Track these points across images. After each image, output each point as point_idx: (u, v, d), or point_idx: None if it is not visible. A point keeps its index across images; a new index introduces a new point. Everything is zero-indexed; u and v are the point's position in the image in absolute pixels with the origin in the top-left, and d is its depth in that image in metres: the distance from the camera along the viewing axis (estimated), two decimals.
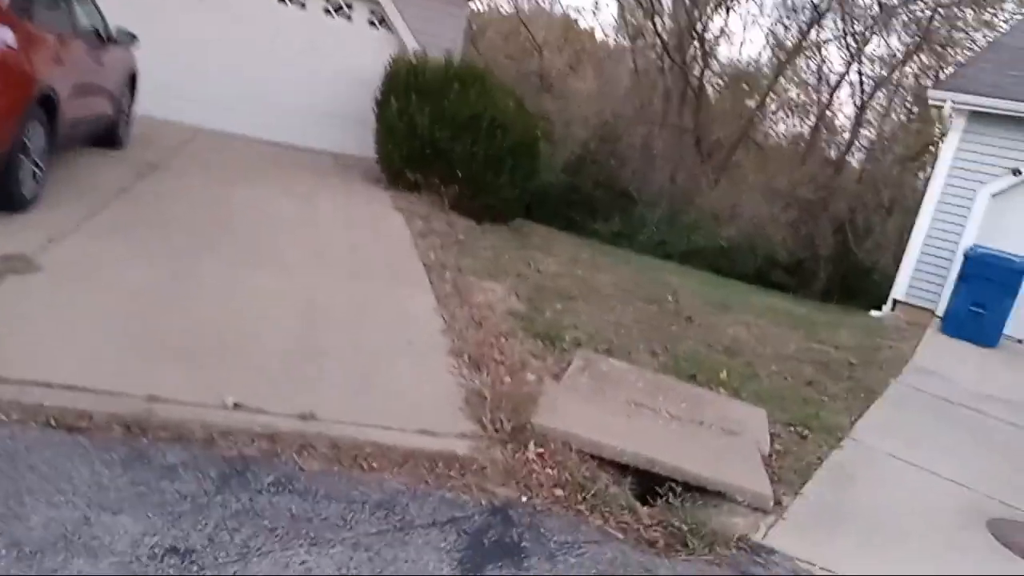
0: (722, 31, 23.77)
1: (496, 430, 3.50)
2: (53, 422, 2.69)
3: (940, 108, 9.23)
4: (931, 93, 9.53)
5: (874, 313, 9.80)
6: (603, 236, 19.65)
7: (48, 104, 4.88)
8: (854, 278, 20.58)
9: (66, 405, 2.79)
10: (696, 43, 22.94)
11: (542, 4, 28.08)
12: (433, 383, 3.88)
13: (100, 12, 6.34)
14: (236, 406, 3.11)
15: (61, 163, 5.70)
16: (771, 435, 4.33)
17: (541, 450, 3.45)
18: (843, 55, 21.71)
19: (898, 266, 9.88)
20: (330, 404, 3.34)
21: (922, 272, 9.42)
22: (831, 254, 20.37)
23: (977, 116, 8.95)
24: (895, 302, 9.69)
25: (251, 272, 4.91)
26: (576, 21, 29.43)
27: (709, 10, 22.82)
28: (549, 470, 3.33)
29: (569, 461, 3.42)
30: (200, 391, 3.15)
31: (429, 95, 8.20)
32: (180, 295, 4.20)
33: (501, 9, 28.37)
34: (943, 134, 19.98)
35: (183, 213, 5.77)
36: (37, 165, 4.87)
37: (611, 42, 29.40)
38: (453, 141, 8.09)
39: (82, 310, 3.66)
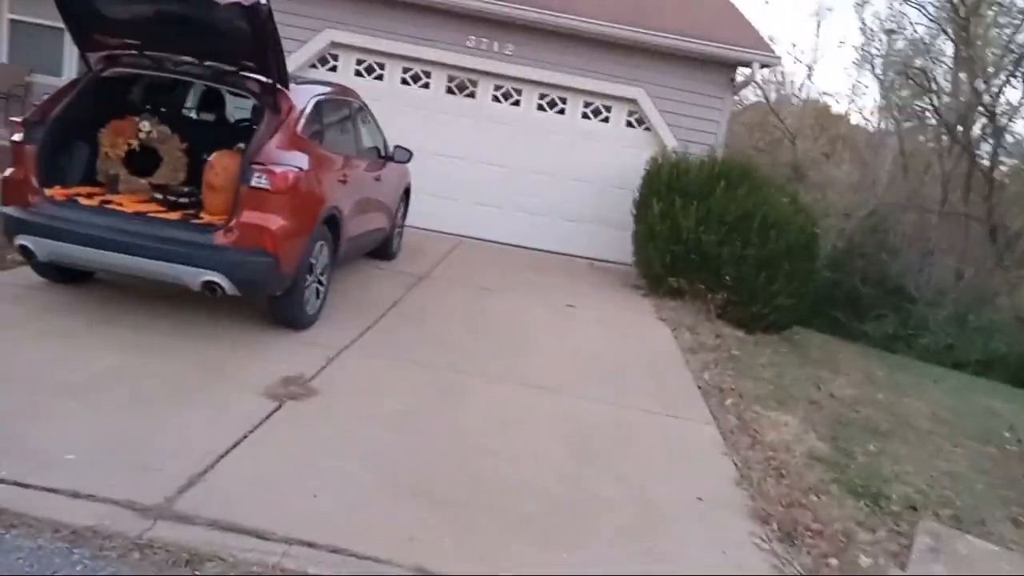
0: (1020, 104, 20.61)
1: None
2: None
3: None
4: None
5: None
6: (874, 339, 17.37)
7: (332, 223, 5.02)
8: None
9: (332, 575, 2.43)
10: (985, 118, 20.14)
11: (791, 91, 26.76)
12: (738, 562, 3.07)
13: (381, 131, 6.67)
14: None
15: (339, 277, 5.89)
16: None
17: None
18: None
19: None
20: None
21: None
22: None
23: None
24: None
25: (512, 392, 4.52)
26: (829, 106, 27.59)
27: (1001, 80, 20.02)
28: None
29: None
30: (467, 557, 2.67)
31: (693, 195, 7.61)
32: (441, 423, 3.89)
33: (745, 99, 27.53)
34: None
35: (448, 327, 5.64)
36: (320, 282, 4.98)
37: (870, 126, 27.12)
38: (721, 244, 7.36)
39: (347, 445, 3.43)
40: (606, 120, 9.40)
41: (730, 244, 7.39)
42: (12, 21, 10.11)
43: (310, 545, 2.55)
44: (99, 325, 4.34)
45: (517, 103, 9.38)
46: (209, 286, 4.16)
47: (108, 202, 4.41)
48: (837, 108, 28.81)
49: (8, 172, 4.31)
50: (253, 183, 4.20)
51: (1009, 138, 21.14)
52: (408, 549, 2.65)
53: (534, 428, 4.06)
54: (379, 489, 3.08)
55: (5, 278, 4.85)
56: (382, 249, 7.07)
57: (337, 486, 3.02)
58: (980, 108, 20.20)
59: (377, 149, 6.54)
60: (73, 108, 4.48)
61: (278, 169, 4.26)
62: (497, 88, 9.33)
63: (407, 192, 7.60)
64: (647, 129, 9.27)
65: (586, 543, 2.98)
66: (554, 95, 9.34)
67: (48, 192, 4.25)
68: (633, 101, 9.19)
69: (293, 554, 2.49)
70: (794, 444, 4.54)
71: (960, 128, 20.30)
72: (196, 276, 4.13)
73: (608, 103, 9.33)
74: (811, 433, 4.81)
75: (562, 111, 9.39)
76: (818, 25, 28.99)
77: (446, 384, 4.45)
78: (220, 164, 4.48)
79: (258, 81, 4.60)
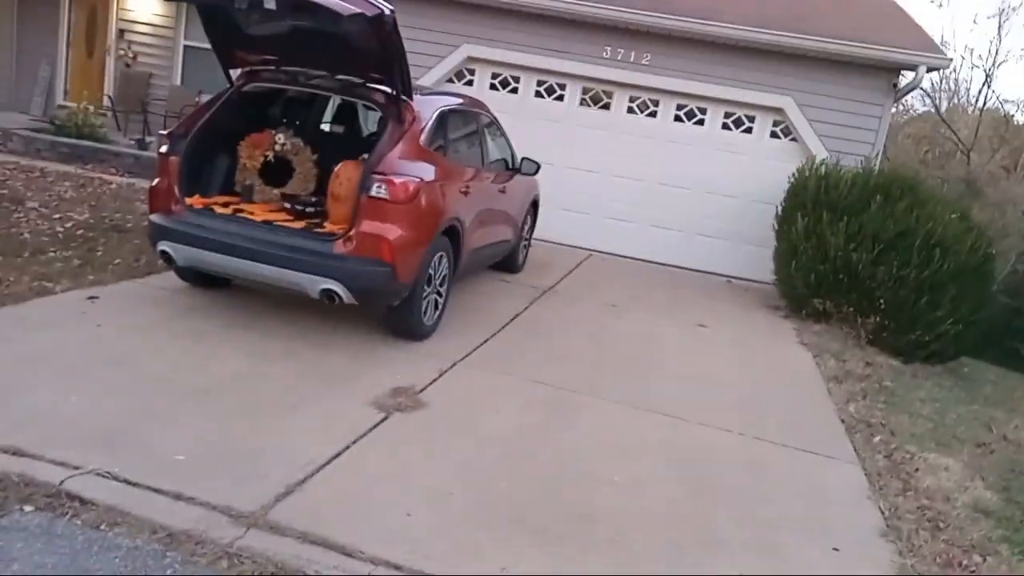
0: None
1: None
2: None
3: None
4: None
5: None
6: None
7: (453, 234, 4.99)
8: None
9: None
10: None
11: (965, 99, 24.41)
12: None
13: (510, 144, 6.61)
14: None
15: (460, 287, 5.86)
16: None
17: None
18: None
19: None
20: None
21: None
22: None
23: None
24: None
25: (632, 418, 4.24)
26: (1011, 115, 24.84)
27: None
28: None
29: None
30: None
31: (844, 210, 6.96)
32: (551, 445, 3.69)
33: (913, 109, 25.43)
34: None
35: (568, 343, 5.45)
36: (439, 293, 4.95)
37: None
38: (874, 264, 6.67)
39: (450, 463, 3.31)
40: (748, 131, 8.88)
41: (886, 264, 6.68)
42: (186, 47, 11.11)
43: (396, 567, 2.44)
44: (232, 329, 4.53)
45: (653, 114, 9.07)
46: (327, 294, 4.22)
47: (240, 211, 4.61)
48: (1020, 118, 25.99)
49: (155, 182, 4.61)
50: (373, 193, 4.23)
51: None
52: None
53: (652, 457, 3.77)
54: (477, 513, 2.93)
55: (153, 281, 5.19)
56: (507, 261, 7.00)
57: (433, 506, 2.90)
58: None
59: (504, 161, 6.49)
60: (215, 121, 4.72)
61: (397, 179, 4.27)
62: (633, 99, 9.07)
63: (535, 204, 7.51)
64: (793, 140, 8.66)
65: None
66: (692, 105, 8.94)
67: (188, 201, 4.50)
68: (779, 110, 8.62)
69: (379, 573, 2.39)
70: (956, 492, 3.96)
71: None
72: (315, 284, 4.21)
73: (751, 113, 8.81)
74: (977, 481, 4.18)
75: (701, 122, 8.97)
76: (1000, 27, 26.19)
77: (561, 404, 4.25)
78: (344, 174, 4.56)
79: (383, 92, 4.65)
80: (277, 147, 4.94)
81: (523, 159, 6.64)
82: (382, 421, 3.56)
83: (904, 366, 6.63)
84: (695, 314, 6.86)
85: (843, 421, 4.75)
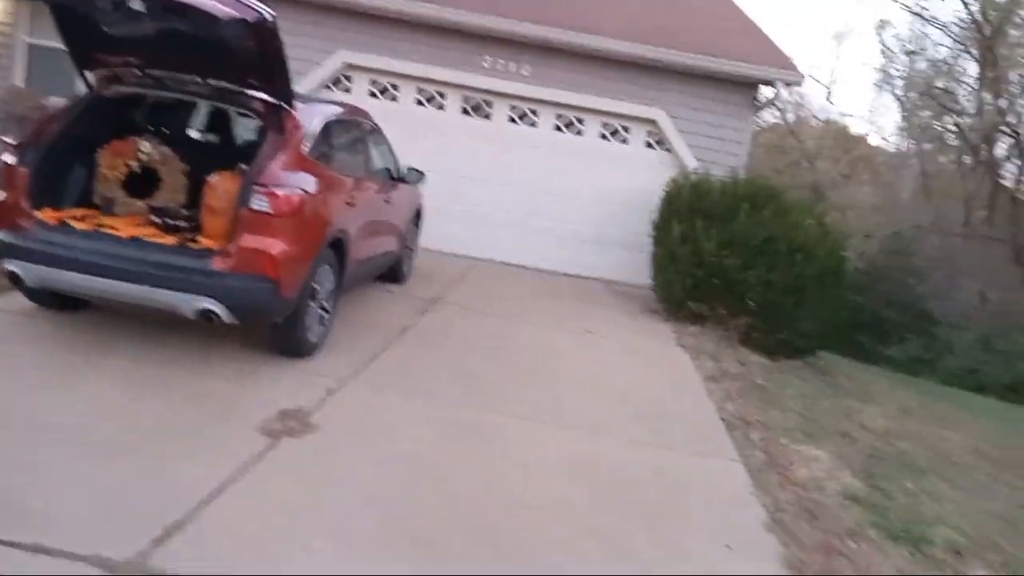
0: None
1: None
2: None
3: None
4: None
5: None
6: (898, 363, 16.92)
7: (338, 247, 4.81)
8: None
9: None
10: (1011, 137, 19.72)
11: (810, 112, 26.46)
12: None
13: (393, 153, 6.49)
14: None
15: (346, 301, 5.67)
16: None
17: None
18: None
19: None
20: None
21: None
22: None
23: None
24: None
25: (532, 431, 4.24)
26: (848, 127, 27.22)
27: None
28: None
29: None
30: None
31: (715, 217, 7.34)
32: (452, 465, 3.62)
33: (764, 121, 27.26)
34: None
35: (459, 356, 5.39)
36: (324, 308, 4.76)
37: (891, 146, 26.80)
38: (745, 268, 7.07)
39: (347, 490, 3.17)
40: (625, 141, 9.19)
41: (755, 268, 7.10)
42: (30, 45, 10.13)
43: None
44: (96, 356, 4.14)
45: (534, 124, 9.21)
46: (206, 314, 3.95)
47: (102, 226, 4.23)
48: (857, 129, 28.48)
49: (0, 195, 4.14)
50: (254, 206, 4.00)
51: None
52: None
53: (557, 473, 3.76)
54: (382, 542, 2.82)
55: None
56: (393, 272, 6.86)
57: (334, 536, 2.76)
58: (1004, 127, 19.80)
59: (388, 171, 6.35)
60: (71, 129, 4.32)
61: (280, 191, 4.06)
62: (513, 109, 9.16)
63: (419, 214, 7.41)
64: (667, 150, 9.05)
65: None
66: (571, 116, 9.15)
67: (39, 215, 4.07)
68: (652, 122, 8.98)
69: None
70: (827, 481, 4.24)
71: (983, 148, 19.93)
72: (191, 303, 3.92)
73: (627, 124, 9.13)
74: (845, 470, 4.50)
75: (580, 132, 9.19)
76: (837, 45, 28.69)
77: (460, 421, 4.18)
78: (221, 186, 4.29)
79: (262, 100, 4.43)
80: (142, 156, 4.58)
81: (408, 169, 6.53)
82: (271, 448, 3.37)
83: (773, 363, 7.06)
84: (581, 321, 7.00)
85: (723, 420, 4.97)
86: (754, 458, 4.38)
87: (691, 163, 8.67)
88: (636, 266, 8.64)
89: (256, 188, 4.00)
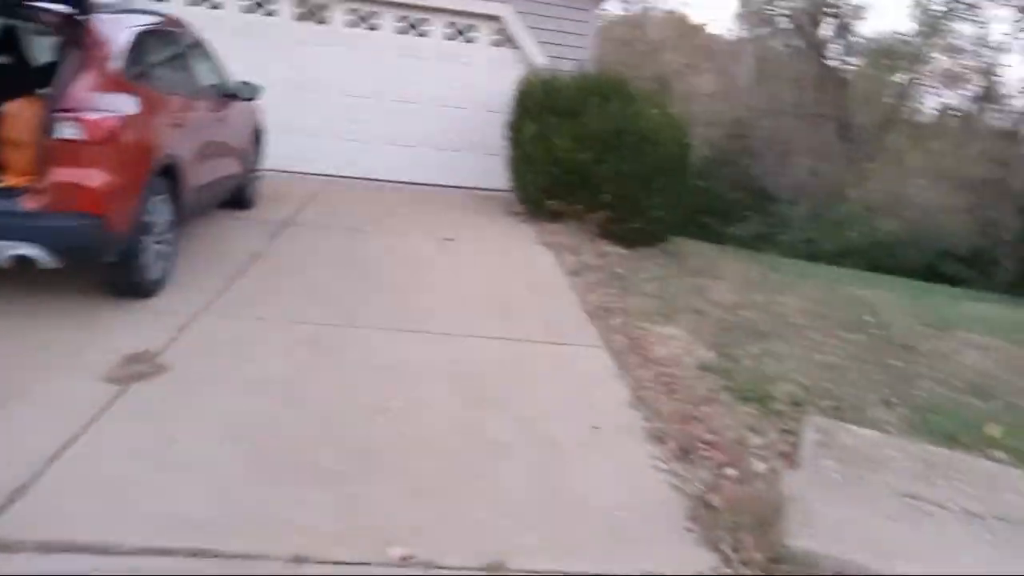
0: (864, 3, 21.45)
1: (743, 563, 2.56)
2: None
3: None
4: None
5: None
6: (742, 240, 18.17)
7: (170, 174, 4.44)
8: None
9: None
10: (832, 19, 20.93)
11: (649, 4, 26.81)
12: (640, 489, 2.99)
13: (220, 66, 5.97)
14: (404, 560, 2.35)
15: (190, 232, 5.32)
16: None
17: None
18: (1011, 12, 19.02)
19: None
20: (517, 540, 2.52)
21: None
22: (1014, 238, 17.82)
23: None
24: None
25: (396, 340, 4.23)
26: (688, 16, 27.90)
27: None
28: None
29: None
30: (356, 538, 2.42)
31: (566, 114, 7.38)
32: (319, 384, 3.55)
33: (609, 14, 27.35)
34: None
35: (320, 275, 5.22)
36: (163, 242, 4.43)
37: (729, 35, 27.78)
38: (597, 162, 7.21)
39: (208, 426, 3.04)
40: (471, 41, 8.94)
41: (606, 161, 7.25)
42: None
43: (165, 553, 2.22)
44: None
45: (374, 27, 8.74)
46: (20, 260, 3.56)
47: None
48: (696, 18, 29.21)
49: None
50: (63, 134, 3.58)
51: (854, 38, 22.20)
52: (285, 537, 2.36)
53: (421, 377, 3.81)
54: (250, 472, 2.75)
55: None
56: (238, 197, 6.47)
57: (199, 475, 2.67)
58: (826, 9, 20.97)
59: (218, 87, 5.86)
60: None
61: (91, 116, 3.65)
62: (351, 12, 8.64)
63: (259, 133, 6.95)
64: (515, 48, 8.89)
65: (489, 495, 2.79)
66: (413, 16, 8.75)
67: None
68: (498, 19, 8.75)
69: (145, 568, 2.15)
70: (683, 356, 4.54)
71: (810, 30, 21.05)
72: (1, 250, 3.52)
73: (472, 22, 8.85)
74: (698, 343, 4.82)
75: (424, 34, 8.84)
76: None
77: (321, 339, 4.09)
78: (18, 114, 3.80)
79: (55, 12, 3.89)
80: None
81: (240, 83, 6.05)
82: (120, 395, 3.16)
83: (629, 252, 7.35)
84: (441, 229, 6.95)
85: (585, 310, 5.17)
86: (616, 343, 4.61)
87: (540, 61, 8.60)
88: (495, 170, 8.60)
89: (61, 114, 3.58)
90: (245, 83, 6.06)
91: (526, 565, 2.39)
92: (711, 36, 27.68)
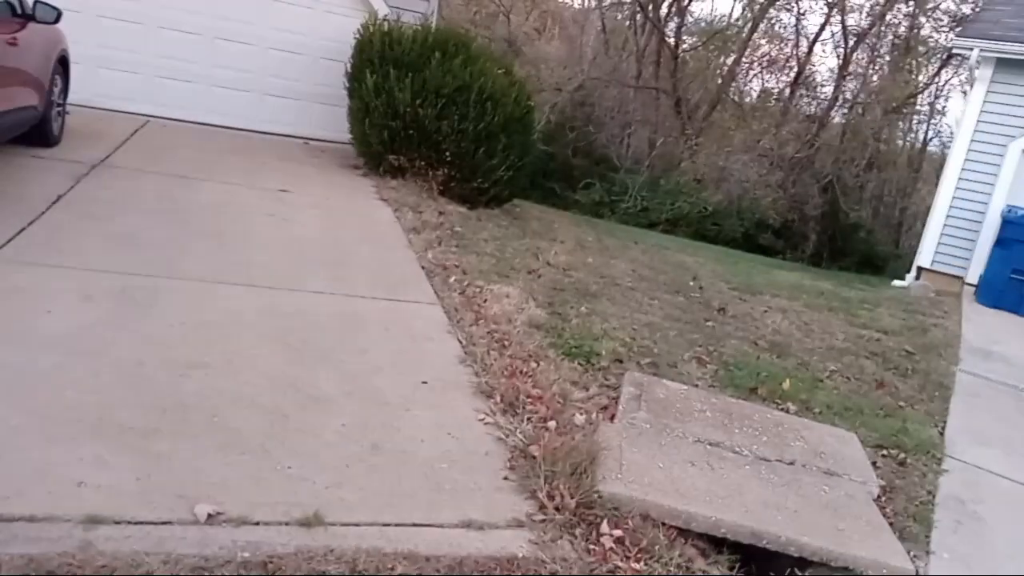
0: None
1: (557, 509, 2.68)
2: None
3: (965, 56, 8.48)
4: (956, 41, 8.80)
5: (898, 283, 9.13)
6: (584, 206, 18.83)
7: None
8: (842, 238, 20.10)
9: None
10: None
11: None
12: (464, 442, 3.04)
13: None
14: (212, 517, 2.24)
15: None
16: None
17: (619, 532, 2.64)
18: (823, 6, 20.84)
19: (897, 227, 9.22)
20: (336, 494, 2.49)
21: (949, 236, 8.75)
22: (819, 214, 19.81)
23: (1006, 64, 8.22)
24: (920, 270, 9.04)
25: (217, 293, 4.00)
26: None
27: None
28: (635, 564, 2.52)
29: (656, 545, 2.62)
30: (160, 497, 2.28)
31: (408, 67, 7.21)
32: (127, 338, 3.29)
33: None
34: (937, 83, 19.25)
35: (132, 222, 4.80)
36: None
37: (576, 3, 28.34)
38: (439, 119, 7.13)
39: (6, 386, 2.73)
40: None
41: (448, 118, 7.19)
42: None
43: None
44: None
45: None
46: None
47: None
48: None
49: None
50: None
51: (690, 18, 23.41)
52: (78, 498, 2.18)
53: (244, 331, 3.63)
54: (41, 431, 2.50)
55: None
56: (38, 133, 5.78)
57: None
58: None
59: (10, 6, 5.16)
60: None
61: None
62: None
63: (64, 62, 6.22)
64: None
65: (308, 450, 2.72)
66: None
67: None
68: None
69: None
70: (515, 314, 4.63)
71: (651, 6, 21.92)
72: None
73: None
74: (531, 302, 4.94)
75: None
76: None
77: (133, 292, 3.78)
78: None
79: None
80: None
81: (35, 3, 5.36)
82: None
83: (470, 212, 7.39)
84: (275, 180, 6.61)
85: (423, 268, 5.15)
86: (451, 299, 4.63)
87: (382, 9, 8.31)
88: (335, 121, 8.29)
89: None
90: (42, 3, 5.38)
91: (344, 518, 2.36)
92: (561, 3, 28.12)
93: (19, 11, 5.22)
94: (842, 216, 19.94)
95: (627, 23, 24.89)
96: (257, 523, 2.25)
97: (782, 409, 4.15)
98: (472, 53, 7.59)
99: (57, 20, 5.54)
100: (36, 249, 4.05)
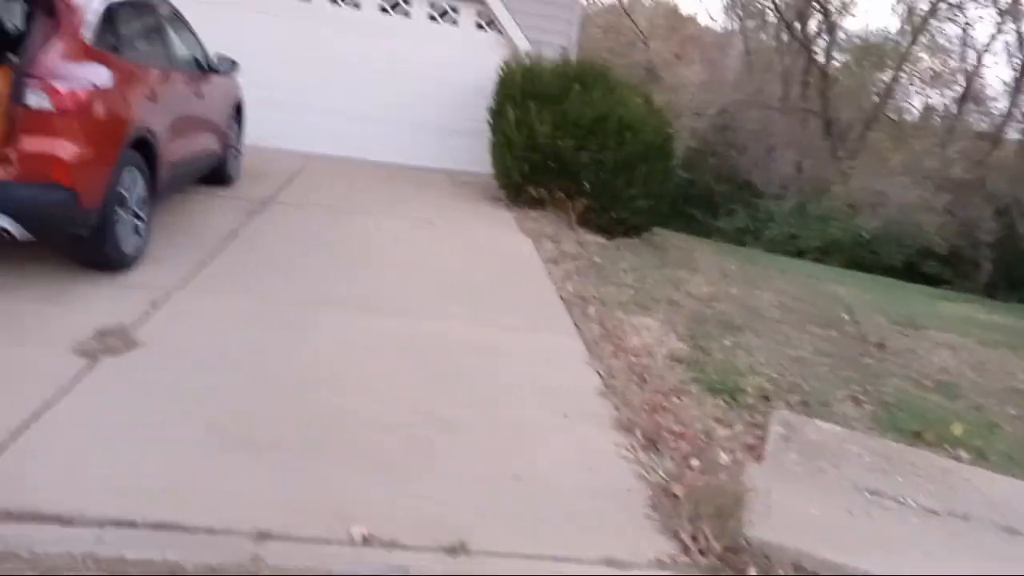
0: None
1: (701, 552, 2.60)
2: None
3: None
4: None
5: None
6: (727, 234, 18.25)
7: (145, 148, 4.39)
8: (1021, 267, 18.18)
9: (153, 557, 2.12)
10: (820, 14, 21.00)
11: None
12: (605, 477, 3.02)
13: (198, 39, 5.89)
14: (366, 540, 2.36)
15: (167, 208, 5.27)
16: None
17: None
18: (994, 13, 19.19)
19: None
20: (479, 522, 2.55)
21: None
22: (994, 240, 18.03)
23: None
24: None
25: (370, 321, 4.23)
26: (678, 6, 27.87)
27: None
28: None
29: None
30: (320, 516, 2.43)
31: (548, 100, 7.37)
32: (287, 362, 3.54)
33: (600, 1, 27.22)
34: None
35: (297, 255, 5.20)
36: (138, 216, 4.38)
37: (718, 26, 27.80)
38: (578, 149, 7.22)
39: (176, 401, 3.03)
40: (455, 23, 8.90)
41: (587, 149, 7.26)
42: None
43: (129, 525, 2.22)
44: None
45: (357, 5, 8.67)
46: None
47: None
48: (686, 9, 29.13)
49: None
50: (31, 103, 3.53)
51: (842, 34, 22.30)
52: (249, 511, 2.37)
53: (391, 357, 3.81)
54: (215, 447, 2.75)
55: None
56: (218, 174, 6.41)
57: (164, 451, 2.66)
58: (814, 4, 21.01)
59: (196, 60, 5.79)
60: None
61: (62, 85, 3.60)
62: None
63: (239, 108, 6.87)
64: (498, 31, 8.85)
65: (451, 476, 2.81)
66: None
67: None
68: (481, 2, 8.70)
69: (108, 539, 2.15)
70: (656, 347, 4.57)
71: (798, 25, 21.11)
72: None
73: (455, 4, 8.81)
74: (671, 334, 4.86)
75: (407, 14, 8.78)
76: None
77: (294, 318, 4.08)
78: None
79: None
80: None
81: (218, 56, 5.98)
82: (90, 369, 3.14)
83: (609, 241, 7.39)
84: (421, 212, 6.93)
85: (562, 299, 5.19)
86: (590, 331, 4.63)
87: (523, 45, 8.56)
88: (477, 154, 8.59)
89: (30, 81, 3.52)
90: (222, 57, 5.99)
91: (487, 547, 2.41)
92: (700, 27, 27.69)
93: (203, 65, 5.83)
94: (1021, 242, 18.06)
95: (771, 44, 24.11)
96: (406, 547, 2.35)
97: (952, 457, 3.81)
98: (610, 84, 7.64)
99: (234, 71, 6.13)
100: (216, 280, 4.46)
